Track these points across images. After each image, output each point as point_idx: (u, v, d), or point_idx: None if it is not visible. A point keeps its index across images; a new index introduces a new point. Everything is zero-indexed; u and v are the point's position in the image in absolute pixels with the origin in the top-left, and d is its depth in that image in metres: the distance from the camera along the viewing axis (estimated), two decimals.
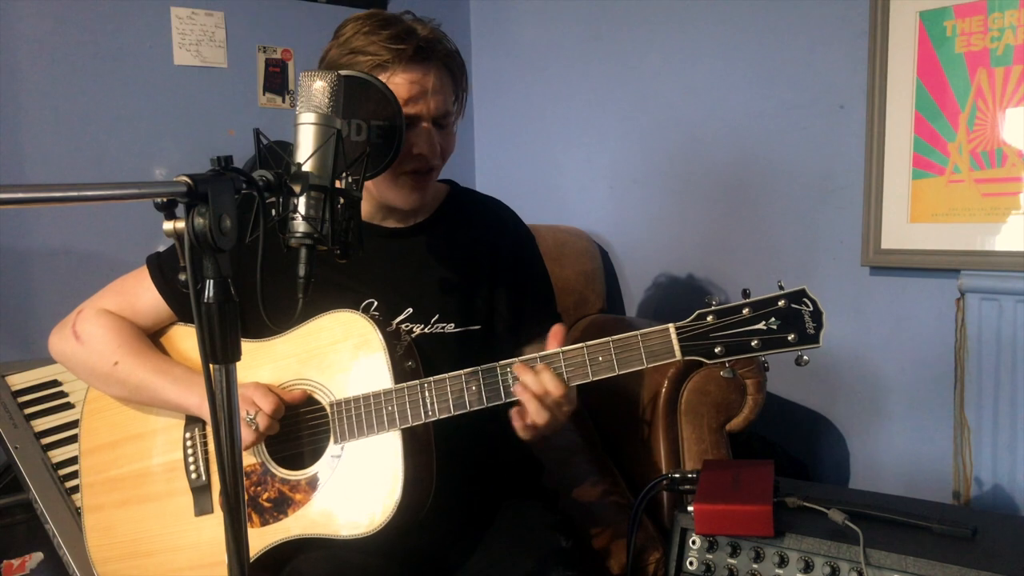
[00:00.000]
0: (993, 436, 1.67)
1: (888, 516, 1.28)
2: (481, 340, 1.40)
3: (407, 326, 1.36)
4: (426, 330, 1.37)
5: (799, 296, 1.12)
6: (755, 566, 1.28)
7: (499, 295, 1.43)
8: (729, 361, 1.15)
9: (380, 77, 1.25)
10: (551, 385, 1.17)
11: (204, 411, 1.33)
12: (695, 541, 1.34)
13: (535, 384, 1.18)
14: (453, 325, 1.38)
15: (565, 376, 1.19)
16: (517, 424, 1.23)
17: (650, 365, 1.17)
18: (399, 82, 1.27)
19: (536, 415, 1.20)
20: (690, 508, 1.31)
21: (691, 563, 1.33)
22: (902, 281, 1.84)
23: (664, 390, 1.65)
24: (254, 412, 1.26)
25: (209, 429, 1.36)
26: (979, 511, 1.62)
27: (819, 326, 1.11)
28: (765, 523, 1.26)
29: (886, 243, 1.82)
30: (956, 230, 1.72)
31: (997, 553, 1.18)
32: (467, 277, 1.41)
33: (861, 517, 1.25)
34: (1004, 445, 1.66)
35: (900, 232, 1.80)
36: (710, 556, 1.32)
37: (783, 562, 1.26)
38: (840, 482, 1.98)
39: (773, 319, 1.12)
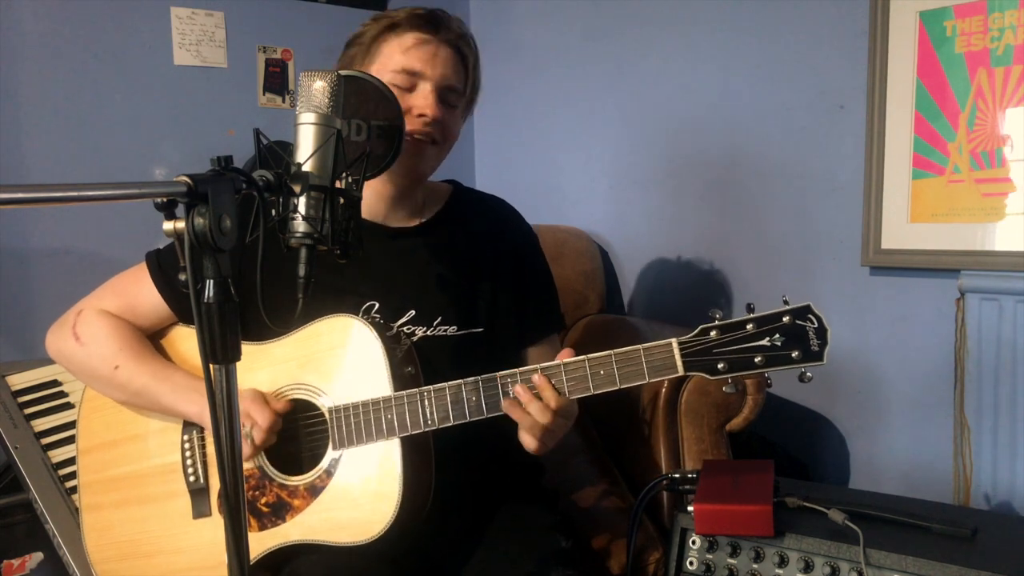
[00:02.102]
0: (993, 436, 1.67)
1: (888, 516, 1.28)
2: (483, 343, 1.40)
3: (409, 329, 1.36)
4: (428, 333, 1.36)
5: (804, 312, 1.11)
6: (755, 566, 1.28)
7: (501, 297, 1.42)
8: (732, 378, 1.14)
9: (390, 36, 1.33)
10: (540, 417, 1.19)
11: (204, 419, 1.33)
12: (695, 541, 1.34)
13: (521, 416, 1.20)
14: (455, 328, 1.37)
15: (566, 389, 1.19)
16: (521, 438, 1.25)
17: (652, 380, 1.16)
18: (408, 40, 1.32)
19: (528, 439, 1.23)
20: (690, 508, 1.31)
21: (691, 563, 1.33)
22: (902, 281, 1.84)
23: (664, 390, 1.65)
24: (249, 425, 1.26)
25: (207, 432, 1.36)
26: (979, 511, 1.62)
27: (824, 343, 1.10)
28: (765, 523, 1.26)
29: (886, 243, 1.82)
30: (956, 230, 1.72)
31: (997, 553, 1.18)
32: (470, 279, 1.41)
33: (861, 517, 1.25)
34: (1004, 445, 1.66)
35: (900, 232, 1.80)
36: (710, 556, 1.32)
37: (783, 562, 1.26)
38: (840, 482, 1.98)
39: (777, 335, 1.11)
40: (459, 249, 1.42)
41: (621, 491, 1.75)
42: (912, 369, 1.84)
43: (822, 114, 1.94)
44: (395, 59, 1.33)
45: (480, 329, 1.40)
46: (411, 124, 1.31)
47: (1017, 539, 1.26)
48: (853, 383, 1.94)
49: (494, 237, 1.45)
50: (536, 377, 1.19)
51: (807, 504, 1.30)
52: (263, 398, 1.29)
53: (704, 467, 1.43)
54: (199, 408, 1.32)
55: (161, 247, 1.43)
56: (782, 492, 1.34)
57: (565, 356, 1.20)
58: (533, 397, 1.19)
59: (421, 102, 1.32)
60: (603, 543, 1.56)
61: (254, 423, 1.26)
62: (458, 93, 1.38)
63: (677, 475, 1.43)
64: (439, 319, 1.37)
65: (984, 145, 1.68)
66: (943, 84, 1.72)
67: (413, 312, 1.36)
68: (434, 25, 1.34)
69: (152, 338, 1.42)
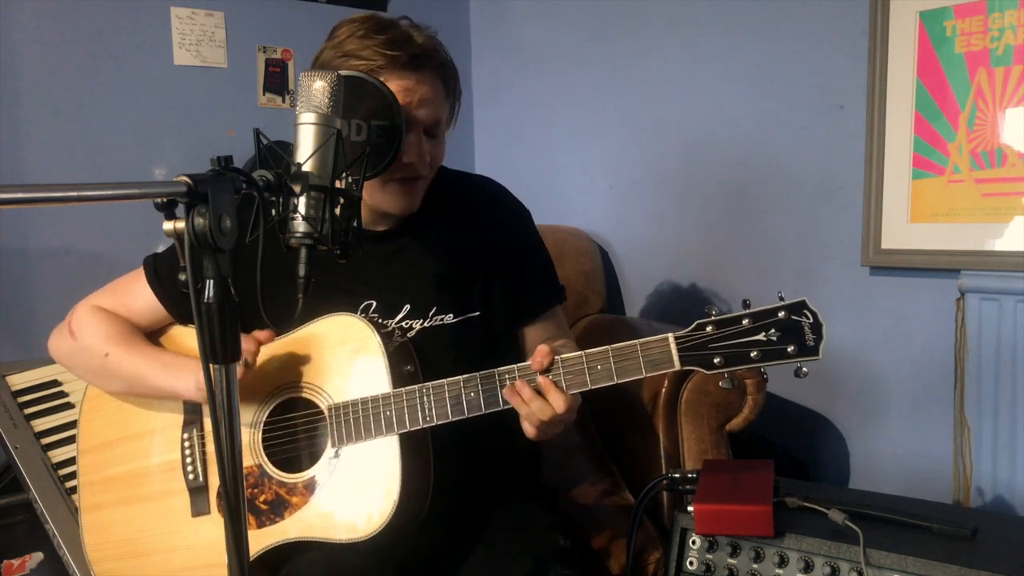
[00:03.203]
0: (993, 436, 1.67)
1: (888, 516, 1.28)
2: (481, 326, 1.39)
3: (407, 323, 1.36)
4: (425, 324, 1.36)
5: (799, 308, 1.11)
6: (755, 566, 1.28)
7: (495, 278, 1.42)
8: (728, 372, 1.14)
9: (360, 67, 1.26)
10: (541, 414, 1.18)
11: (197, 394, 1.31)
12: (695, 541, 1.34)
13: (524, 410, 1.20)
14: (451, 315, 1.37)
15: (564, 384, 1.19)
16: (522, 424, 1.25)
17: (649, 374, 1.17)
18: (391, 89, 1.26)
19: (528, 427, 1.23)
20: (690, 508, 1.31)
21: (691, 563, 1.33)
22: (902, 281, 1.84)
23: (664, 390, 1.65)
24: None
25: (207, 430, 1.36)
26: (979, 511, 1.62)
27: (819, 338, 1.11)
28: (765, 523, 1.26)
29: (886, 243, 1.82)
30: (956, 230, 1.72)
31: (997, 553, 1.18)
32: (462, 265, 1.41)
33: (861, 517, 1.25)
34: (1004, 445, 1.66)
35: (900, 232, 1.80)
36: (710, 556, 1.32)
37: (783, 562, 1.26)
38: (840, 482, 1.98)
39: (773, 330, 1.11)
40: (447, 236, 1.42)
41: (621, 490, 1.75)
42: (912, 369, 1.84)
43: (822, 114, 1.94)
44: None
45: (477, 313, 1.39)
46: (400, 171, 1.29)
47: (1017, 539, 1.26)
48: (853, 383, 1.94)
49: (482, 218, 1.44)
50: (541, 379, 1.19)
51: (807, 504, 1.30)
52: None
53: (704, 467, 1.43)
54: (192, 383, 1.30)
55: (159, 251, 1.43)
56: (782, 492, 1.34)
57: (541, 355, 1.20)
58: (535, 395, 1.19)
59: (411, 151, 1.28)
60: (603, 543, 1.56)
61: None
62: (443, 122, 1.34)
63: (677, 475, 1.43)
64: (434, 309, 1.37)
65: (984, 145, 1.68)
66: (943, 84, 1.72)
67: (408, 306, 1.36)
68: (414, 66, 1.27)
69: (150, 336, 1.42)
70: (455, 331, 1.37)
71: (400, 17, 1.34)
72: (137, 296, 1.40)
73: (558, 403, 1.18)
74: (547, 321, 1.47)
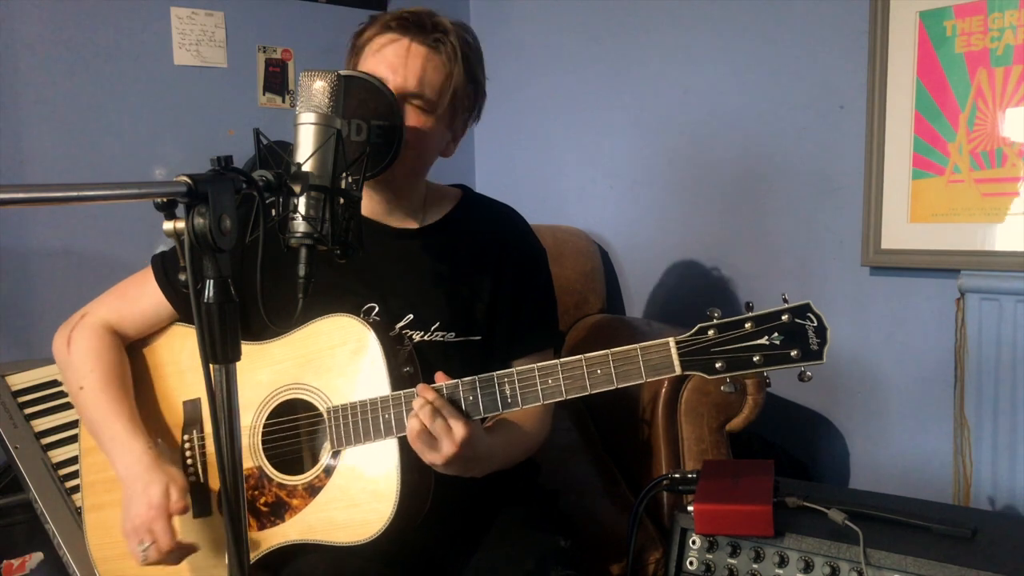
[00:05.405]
0: (993, 436, 1.67)
1: (888, 516, 1.28)
2: (480, 351, 1.39)
3: (408, 332, 1.36)
4: (426, 337, 1.36)
5: (803, 310, 1.10)
6: (755, 566, 1.28)
7: (499, 307, 1.41)
8: (730, 377, 1.13)
9: (374, 37, 1.30)
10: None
11: (126, 481, 1.28)
12: (695, 541, 1.34)
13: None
14: (454, 334, 1.37)
15: (563, 388, 1.18)
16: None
17: (649, 379, 1.15)
18: (378, 42, 1.28)
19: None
20: (690, 508, 1.31)
21: (691, 563, 1.33)
22: (902, 281, 1.84)
23: (664, 390, 1.65)
24: (148, 542, 1.22)
25: (207, 432, 1.36)
26: (979, 511, 1.62)
27: (823, 342, 1.09)
28: (765, 523, 1.26)
29: (886, 243, 1.82)
30: (956, 230, 1.72)
31: (997, 553, 1.18)
32: (471, 286, 1.40)
33: (861, 517, 1.25)
34: (1004, 445, 1.66)
35: (900, 232, 1.80)
36: (710, 556, 1.32)
37: (783, 562, 1.26)
38: (840, 482, 1.98)
39: (776, 334, 1.09)
40: (462, 255, 1.41)
41: (621, 491, 1.75)
42: (912, 369, 1.84)
43: (822, 114, 1.94)
44: (368, 63, 1.30)
45: (478, 337, 1.39)
46: None
47: (1017, 539, 1.26)
48: (853, 383, 1.94)
49: (498, 246, 1.43)
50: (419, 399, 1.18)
51: (807, 504, 1.30)
52: (169, 518, 1.24)
53: (704, 467, 1.43)
54: (123, 470, 1.29)
55: (166, 249, 1.43)
56: (782, 492, 1.34)
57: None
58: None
59: None
60: (603, 543, 1.56)
61: (155, 540, 1.22)
62: (427, 100, 1.30)
63: (677, 475, 1.43)
64: (437, 324, 1.36)
65: (984, 145, 1.68)
66: (943, 84, 1.72)
67: (411, 316, 1.36)
68: (401, 27, 1.27)
69: (152, 337, 1.43)
70: (455, 350, 1.37)
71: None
72: (145, 297, 1.40)
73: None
74: (536, 359, 1.44)
